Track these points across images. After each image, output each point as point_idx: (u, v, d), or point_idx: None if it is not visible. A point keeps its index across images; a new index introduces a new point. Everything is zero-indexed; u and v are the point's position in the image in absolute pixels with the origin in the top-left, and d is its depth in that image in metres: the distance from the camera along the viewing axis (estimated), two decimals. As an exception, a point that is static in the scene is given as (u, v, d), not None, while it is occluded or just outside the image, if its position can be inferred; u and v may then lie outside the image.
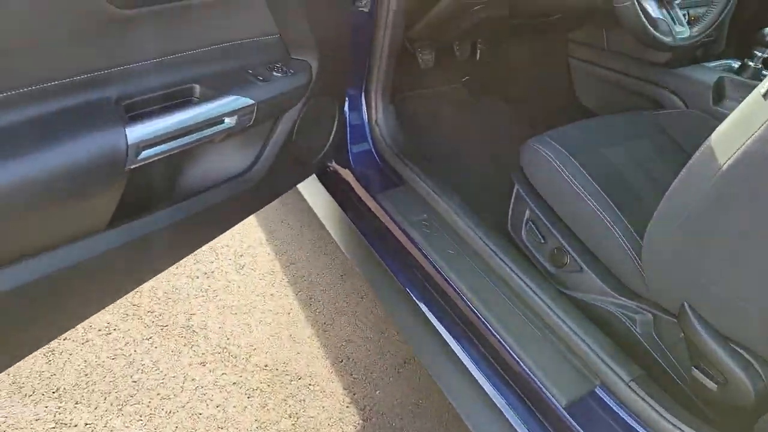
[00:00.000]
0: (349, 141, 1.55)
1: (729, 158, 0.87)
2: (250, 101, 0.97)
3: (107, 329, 1.43)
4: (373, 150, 1.57)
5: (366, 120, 1.57)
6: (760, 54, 1.54)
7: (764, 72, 1.57)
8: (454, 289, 1.25)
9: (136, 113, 0.85)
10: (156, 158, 0.84)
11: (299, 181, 1.39)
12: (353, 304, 1.68)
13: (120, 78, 0.82)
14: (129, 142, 0.78)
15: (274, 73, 1.06)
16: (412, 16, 1.46)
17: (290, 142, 1.19)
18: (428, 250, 1.32)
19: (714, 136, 0.91)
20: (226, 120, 0.94)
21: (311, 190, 1.71)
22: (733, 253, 0.91)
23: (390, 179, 1.52)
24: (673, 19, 1.27)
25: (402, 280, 1.39)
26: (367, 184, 1.51)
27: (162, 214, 0.95)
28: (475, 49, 1.97)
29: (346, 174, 1.55)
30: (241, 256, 1.76)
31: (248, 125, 1.00)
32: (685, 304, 1.01)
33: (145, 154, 0.82)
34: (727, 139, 0.88)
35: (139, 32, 0.82)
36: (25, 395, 1.24)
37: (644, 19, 1.18)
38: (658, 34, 1.23)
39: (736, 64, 1.64)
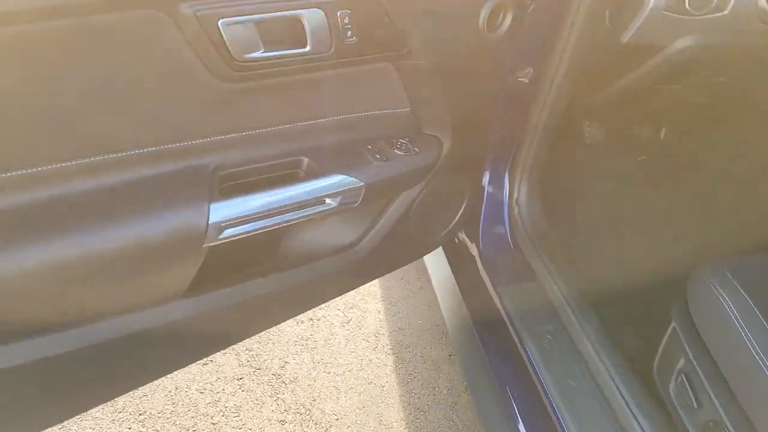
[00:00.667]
0: (482, 217, 1.39)
1: None
2: (359, 183, 0.88)
3: (205, 359, 1.45)
4: (507, 232, 1.39)
5: (506, 197, 1.40)
6: None
7: None
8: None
9: (233, 184, 0.81)
10: (242, 236, 0.78)
11: (414, 259, 1.27)
12: (454, 394, 1.51)
13: (221, 147, 0.78)
14: (210, 221, 0.73)
15: (396, 151, 0.95)
16: (582, 89, 1.26)
17: (406, 219, 1.08)
18: (544, 373, 1.11)
19: None
20: (328, 201, 0.86)
21: (433, 255, 1.58)
22: None
23: (520, 270, 1.33)
24: None
25: (505, 395, 1.19)
26: (493, 269, 1.33)
27: (250, 284, 0.89)
28: (659, 126, 1.68)
29: (472, 250, 1.39)
30: (351, 308, 1.69)
31: (353, 206, 0.91)
32: None
33: (228, 233, 0.76)
34: None
35: (247, 102, 0.77)
36: (116, 410, 1.29)
37: None
38: None
39: None
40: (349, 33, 0.77)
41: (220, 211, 0.74)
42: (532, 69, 1.23)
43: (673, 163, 1.80)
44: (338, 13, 0.74)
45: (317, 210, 0.85)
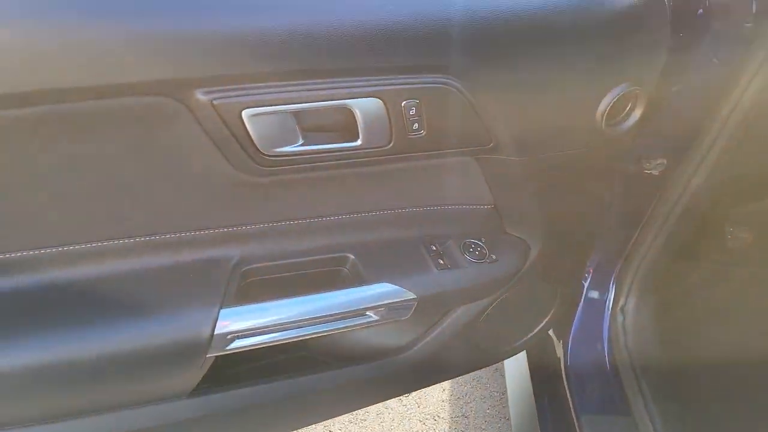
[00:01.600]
0: (575, 325, 1.17)
1: None
2: (411, 296, 0.72)
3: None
4: (604, 347, 1.16)
5: (609, 303, 1.17)
6: None
7: None
8: None
9: (260, 279, 0.69)
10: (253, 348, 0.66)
11: (480, 368, 1.08)
12: None
13: (247, 238, 0.67)
14: (217, 330, 0.62)
15: (467, 256, 0.78)
16: (731, 194, 1.00)
17: (472, 328, 0.90)
18: None
19: None
20: (370, 314, 0.71)
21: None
22: None
23: (612, 400, 1.09)
24: None
25: None
26: (579, 391, 1.11)
27: (266, 387, 0.77)
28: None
29: (558, 362, 1.17)
30: (414, 381, 1.53)
31: (403, 318, 0.76)
32: None
33: (237, 344, 0.65)
34: None
35: (280, 193, 0.65)
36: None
37: None
38: None
39: None
40: (416, 125, 0.62)
41: (233, 318, 0.63)
42: (665, 160, 0.99)
43: None
44: (403, 104, 0.59)
45: (355, 323, 0.71)
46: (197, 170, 0.58)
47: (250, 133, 0.56)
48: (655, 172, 1.01)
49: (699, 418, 1.09)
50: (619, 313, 1.16)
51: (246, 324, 0.63)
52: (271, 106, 0.54)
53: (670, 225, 1.03)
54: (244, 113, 0.54)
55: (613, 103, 0.71)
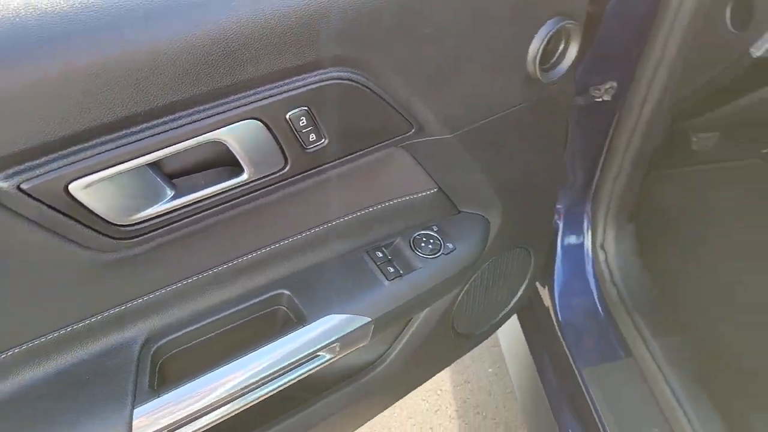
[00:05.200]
0: (558, 276, 1.09)
1: None
2: (364, 320, 0.63)
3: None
4: (593, 291, 1.09)
5: (587, 244, 1.09)
6: None
7: None
8: None
9: (184, 350, 0.59)
10: None
11: (466, 352, 1.00)
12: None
13: (148, 311, 0.56)
14: (133, 433, 0.51)
15: (419, 253, 0.69)
16: (687, 109, 0.91)
17: (446, 319, 0.82)
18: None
19: None
20: (323, 354, 0.62)
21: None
22: None
23: (611, 344, 1.03)
24: None
25: None
26: (576, 343, 1.05)
27: None
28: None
29: (549, 318, 1.10)
30: (408, 359, 1.47)
31: (362, 345, 0.66)
32: None
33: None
34: None
35: (167, 253, 0.53)
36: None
37: None
38: None
39: None
40: (313, 136, 0.50)
41: (153, 413, 0.52)
42: (615, 84, 0.89)
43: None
44: (287, 116, 0.48)
45: (309, 368, 0.61)
46: (44, 266, 0.46)
47: (90, 208, 0.44)
48: (607, 98, 0.92)
49: (703, 346, 1.04)
50: (599, 250, 1.09)
51: (172, 416, 0.52)
52: (108, 168, 0.42)
53: (633, 148, 0.94)
54: (72, 187, 0.42)
55: (544, 45, 0.60)
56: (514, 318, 1.21)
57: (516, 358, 1.27)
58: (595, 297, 1.08)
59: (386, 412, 1.36)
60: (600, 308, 1.07)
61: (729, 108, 0.90)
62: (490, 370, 1.45)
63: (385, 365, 0.79)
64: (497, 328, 1.01)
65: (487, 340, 1.48)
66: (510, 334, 1.27)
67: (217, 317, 0.59)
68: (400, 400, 1.36)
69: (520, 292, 0.97)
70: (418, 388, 1.39)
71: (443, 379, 1.43)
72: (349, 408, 0.78)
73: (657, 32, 0.78)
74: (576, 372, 1.01)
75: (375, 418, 1.34)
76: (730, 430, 0.87)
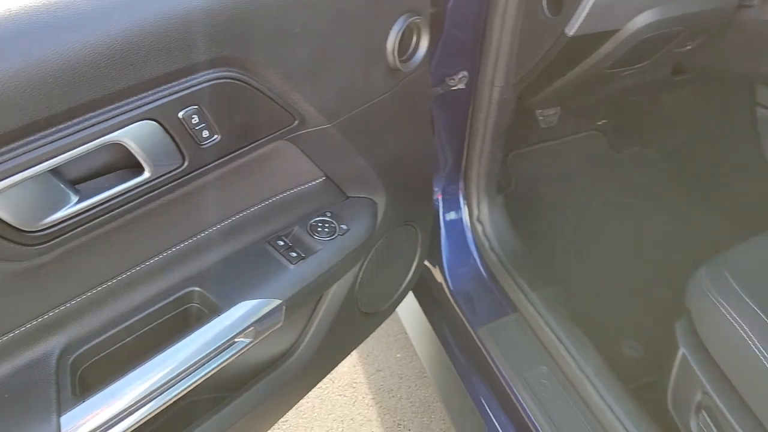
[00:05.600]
0: (445, 249, 1.20)
1: None
2: (276, 302, 0.68)
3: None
4: (476, 259, 1.21)
5: (465, 219, 1.22)
6: None
7: None
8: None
9: (98, 360, 0.60)
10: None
11: (374, 330, 1.08)
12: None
13: (62, 322, 0.56)
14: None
15: (317, 237, 0.75)
16: (527, 88, 1.06)
17: (350, 299, 0.88)
18: (543, 424, 0.96)
19: None
20: (240, 339, 0.66)
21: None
22: None
23: (498, 302, 1.15)
24: None
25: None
26: (468, 307, 1.16)
27: None
28: (622, 97, 1.49)
29: (442, 289, 1.21)
30: (320, 360, 1.51)
31: (277, 327, 0.71)
32: None
33: (104, 441, 0.56)
34: None
35: (76, 259, 0.55)
36: None
37: None
38: None
39: None
40: (206, 133, 0.55)
41: (79, 419, 0.53)
42: (467, 73, 1.02)
43: (639, 120, 1.63)
44: (180, 115, 0.52)
45: (229, 355, 0.65)
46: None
47: None
48: (461, 86, 1.04)
49: (572, 291, 1.21)
50: (477, 224, 1.21)
51: (99, 418, 0.54)
52: (9, 176, 0.43)
53: (490, 127, 1.07)
54: None
55: (399, 39, 0.69)
56: (416, 302, 1.31)
57: (421, 338, 1.36)
58: (479, 265, 1.21)
59: (307, 411, 1.39)
60: (485, 274, 1.19)
61: (560, 84, 1.06)
62: (398, 355, 1.54)
63: (300, 351, 0.84)
64: (398, 305, 1.09)
65: (394, 328, 1.57)
66: (413, 316, 1.37)
67: (132, 321, 0.61)
68: (320, 399, 1.40)
69: (413, 268, 1.06)
70: (335, 384, 1.44)
71: (357, 372, 1.49)
72: (270, 399, 0.82)
73: (492, 23, 0.91)
74: (473, 334, 1.12)
75: (298, 418, 1.36)
76: (603, 356, 1.01)
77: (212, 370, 0.63)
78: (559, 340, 1.03)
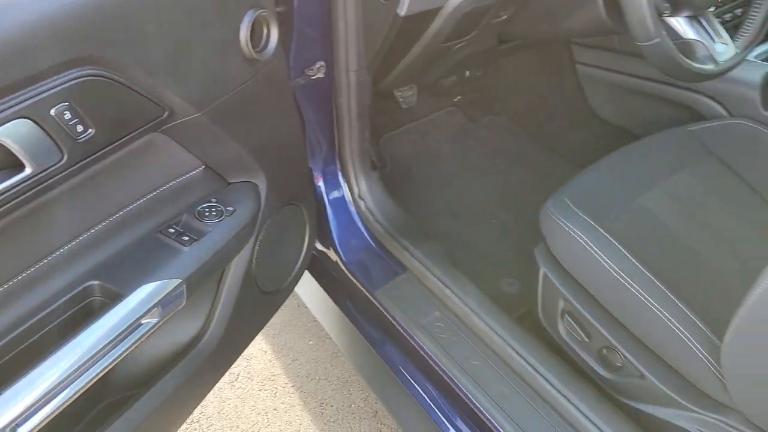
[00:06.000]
0: (334, 228, 1.30)
1: None
2: (176, 280, 0.73)
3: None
4: (364, 232, 1.32)
5: (348, 197, 1.32)
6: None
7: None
8: (485, 415, 1.01)
9: (7, 361, 0.62)
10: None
11: (280, 306, 1.15)
12: (371, 402, 1.46)
13: None
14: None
15: (206, 221, 0.81)
16: (379, 69, 1.19)
17: (249, 279, 0.95)
18: (445, 362, 1.08)
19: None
20: (146, 321, 0.70)
21: (303, 288, 1.47)
22: None
23: (389, 266, 1.27)
24: (711, 35, 0.98)
25: (416, 394, 1.15)
26: (364, 276, 1.26)
27: None
28: (463, 71, 1.68)
29: (337, 264, 1.30)
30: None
31: (181, 306, 0.76)
32: (797, 433, 0.76)
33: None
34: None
35: None
36: None
37: (679, 55, 0.90)
38: (696, 66, 0.94)
39: (782, 48, 1.34)
40: (80, 128, 0.60)
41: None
42: (323, 62, 1.12)
43: (488, 91, 1.83)
44: (52, 112, 0.56)
45: (137, 337, 0.69)
46: None
47: None
48: (321, 75, 1.14)
49: (451, 244, 1.35)
50: (359, 200, 1.32)
51: (9, 415, 0.56)
52: None
53: (353, 110, 1.18)
54: None
55: (250, 31, 0.77)
56: (321, 289, 1.39)
57: (329, 318, 1.45)
58: (368, 236, 1.31)
59: (230, 411, 1.42)
60: (373, 244, 1.30)
61: (407, 62, 1.20)
62: (311, 342, 1.61)
63: (208, 334, 0.89)
64: (296, 282, 1.17)
65: (304, 319, 1.64)
66: (319, 301, 1.45)
67: (31, 323, 0.63)
68: (241, 398, 1.44)
69: (305, 245, 1.14)
70: (253, 382, 1.48)
71: (273, 366, 1.54)
72: (184, 387, 0.86)
73: (336, 14, 1.02)
74: (372, 299, 1.22)
75: (222, 420, 1.39)
76: (485, 293, 1.15)
77: (123, 353, 0.67)
78: (445, 285, 1.16)
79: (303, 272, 1.17)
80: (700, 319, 0.88)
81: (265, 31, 0.81)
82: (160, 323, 0.72)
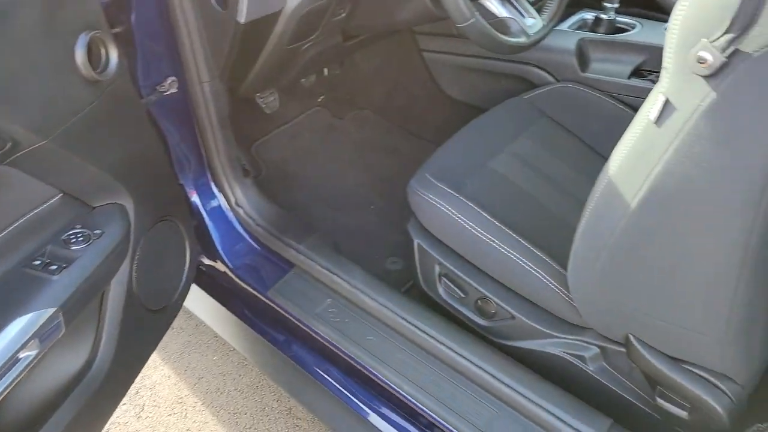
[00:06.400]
0: (216, 239, 1.31)
1: (636, 195, 0.76)
2: (49, 311, 0.72)
3: None
4: (247, 238, 1.34)
5: (225, 206, 1.34)
6: (610, 5, 1.45)
7: (618, 23, 1.48)
8: (389, 384, 1.08)
9: None
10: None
11: (170, 324, 1.15)
12: (285, 400, 1.49)
13: None
14: None
15: (73, 247, 0.80)
16: (233, 76, 1.22)
17: (131, 299, 0.95)
18: (346, 344, 1.14)
19: (613, 170, 0.79)
20: (24, 355, 0.69)
21: (191, 294, 1.46)
22: (665, 287, 0.81)
23: (277, 266, 1.31)
24: (521, 11, 1.12)
25: (326, 383, 1.20)
26: (254, 281, 1.29)
27: None
28: (321, 70, 1.75)
29: (228, 278, 1.32)
30: (136, 393, 1.50)
31: (61, 335, 0.75)
32: (630, 336, 0.91)
33: None
34: (629, 176, 0.77)
35: None
36: None
37: (493, 32, 1.02)
38: (511, 40, 1.08)
39: (589, 16, 1.55)
40: None
41: None
42: (175, 77, 1.13)
43: (348, 88, 1.92)
44: None
45: (16, 374, 0.68)
46: None
47: None
48: (174, 90, 1.15)
49: (327, 231, 1.41)
50: (237, 208, 1.34)
51: None
52: None
53: (213, 119, 1.20)
54: None
55: (87, 53, 0.77)
56: (216, 303, 1.39)
57: (230, 329, 1.45)
58: (252, 241, 1.34)
59: (127, 420, 1.38)
60: (258, 248, 1.33)
61: (260, 66, 1.24)
62: (215, 358, 1.60)
63: (97, 361, 0.88)
64: (184, 297, 1.17)
65: (205, 338, 1.62)
66: (215, 315, 1.45)
67: None
68: (151, 427, 1.41)
69: (187, 259, 1.15)
70: (161, 408, 1.45)
71: (180, 389, 1.52)
72: (78, 419, 0.85)
73: (178, 28, 1.04)
74: (266, 300, 1.26)
75: (109, 430, 1.35)
76: (371, 273, 1.23)
77: (4, 390, 0.66)
78: (332, 273, 1.22)
79: (189, 286, 1.17)
80: (548, 256, 1.02)
81: (103, 51, 0.82)
82: (40, 355, 0.71)
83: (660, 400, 0.93)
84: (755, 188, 0.66)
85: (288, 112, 1.81)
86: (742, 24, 0.59)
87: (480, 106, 1.57)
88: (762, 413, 0.79)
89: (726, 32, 0.60)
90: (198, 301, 1.45)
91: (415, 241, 1.19)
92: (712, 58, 0.62)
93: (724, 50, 0.60)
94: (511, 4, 1.12)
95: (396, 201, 1.64)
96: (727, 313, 0.77)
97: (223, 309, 1.39)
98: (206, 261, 1.37)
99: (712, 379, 0.86)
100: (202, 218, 1.30)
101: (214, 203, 1.33)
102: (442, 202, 1.10)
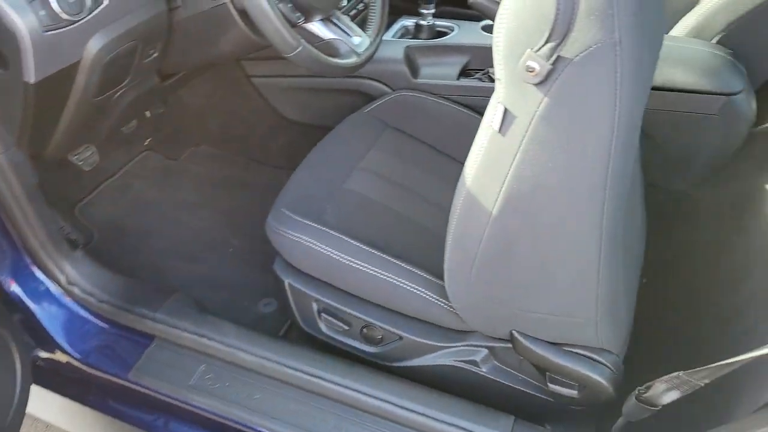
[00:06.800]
0: (50, 330, 1.11)
1: (495, 202, 0.78)
2: None
3: None
4: (90, 317, 1.16)
5: (56, 290, 1.14)
6: (427, 12, 1.49)
7: (438, 27, 1.53)
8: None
9: None
10: None
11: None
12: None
13: None
14: None
15: None
16: (34, 141, 1.04)
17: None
18: (233, 412, 1.03)
19: (469, 181, 0.80)
20: None
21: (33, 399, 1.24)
22: (537, 282, 0.85)
23: (134, 342, 1.14)
24: (346, 31, 1.10)
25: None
26: (108, 366, 1.12)
27: None
28: (142, 113, 1.58)
29: (74, 369, 1.13)
30: None
31: None
32: (514, 331, 0.94)
33: None
34: (484, 185, 0.78)
35: None
36: None
37: (323, 57, 0.98)
38: (342, 62, 1.04)
39: (410, 23, 1.58)
40: None
41: None
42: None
43: (178, 125, 1.76)
44: None
45: None
46: None
47: None
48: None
49: (195, 287, 1.28)
50: (71, 287, 1.15)
51: None
52: None
53: (19, 193, 1.01)
54: None
55: None
56: (64, 399, 1.18)
57: (88, 425, 1.25)
58: (97, 321, 1.16)
59: None
60: (107, 326, 1.16)
61: (65, 124, 1.06)
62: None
63: None
64: (22, 412, 0.98)
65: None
66: (69, 414, 1.24)
67: None
68: None
69: (17, 366, 0.96)
70: None
71: None
72: None
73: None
74: (129, 383, 1.10)
75: None
76: (242, 323, 1.13)
77: None
78: (199, 335, 1.11)
79: (26, 397, 0.98)
80: (422, 270, 1.01)
81: None
82: None
83: (552, 385, 0.97)
84: (599, 176, 0.70)
85: (111, 164, 1.62)
86: (560, 32, 0.61)
87: (322, 124, 1.53)
88: (640, 376, 0.85)
89: (547, 41, 0.62)
90: (42, 403, 1.23)
91: (286, 282, 1.11)
92: (538, 66, 0.64)
93: (548, 58, 0.63)
94: (335, 24, 1.09)
95: (256, 237, 1.53)
96: (594, 294, 0.82)
97: (76, 405, 1.19)
98: (43, 355, 1.16)
99: (591, 355, 0.92)
100: (27, 309, 1.10)
101: (40, 288, 1.13)
102: (304, 237, 1.05)
